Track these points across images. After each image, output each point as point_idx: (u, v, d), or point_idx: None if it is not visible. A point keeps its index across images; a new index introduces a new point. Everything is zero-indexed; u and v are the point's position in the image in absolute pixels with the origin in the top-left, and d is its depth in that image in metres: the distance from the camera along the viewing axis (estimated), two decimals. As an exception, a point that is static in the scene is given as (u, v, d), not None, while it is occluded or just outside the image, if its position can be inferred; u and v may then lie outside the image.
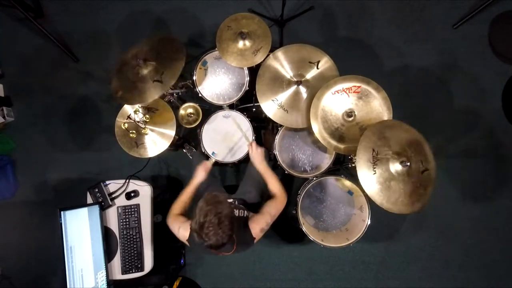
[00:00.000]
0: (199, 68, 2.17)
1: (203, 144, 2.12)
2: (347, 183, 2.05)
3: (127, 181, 2.08)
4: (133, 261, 2.00)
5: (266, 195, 1.95)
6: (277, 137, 2.09)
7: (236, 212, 1.66)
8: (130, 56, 1.93)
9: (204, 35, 2.71)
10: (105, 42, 2.72)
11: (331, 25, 2.70)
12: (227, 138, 2.13)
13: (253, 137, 2.09)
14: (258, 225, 1.59)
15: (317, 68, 1.97)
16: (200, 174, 1.80)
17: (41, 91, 2.70)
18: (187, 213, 1.73)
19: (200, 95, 2.14)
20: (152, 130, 2.05)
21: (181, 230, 1.60)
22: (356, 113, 1.85)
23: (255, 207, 1.88)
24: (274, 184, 1.74)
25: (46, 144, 2.65)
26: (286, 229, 2.50)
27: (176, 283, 2.12)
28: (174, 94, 2.15)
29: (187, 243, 1.60)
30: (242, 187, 2.02)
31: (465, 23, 2.63)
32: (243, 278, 2.51)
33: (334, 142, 1.86)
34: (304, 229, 1.94)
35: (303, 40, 2.65)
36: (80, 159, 2.62)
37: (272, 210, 1.64)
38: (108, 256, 1.98)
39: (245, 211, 1.70)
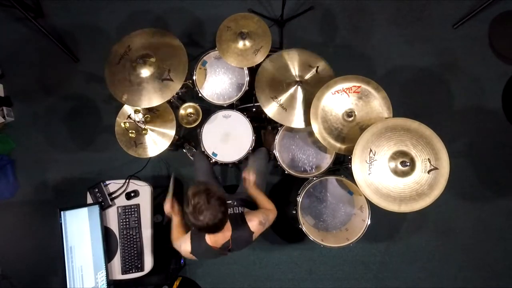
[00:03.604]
0: (199, 68, 2.17)
1: (203, 144, 2.12)
2: (347, 183, 2.05)
3: (127, 181, 2.08)
4: (133, 261, 2.00)
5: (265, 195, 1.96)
6: (277, 137, 2.09)
7: (231, 210, 1.67)
8: (120, 53, 1.91)
9: (204, 35, 2.71)
10: (105, 42, 2.72)
11: (331, 25, 2.70)
12: (227, 138, 2.13)
13: (253, 137, 2.10)
14: (256, 218, 1.59)
15: (317, 72, 1.97)
16: (172, 213, 1.81)
17: (41, 91, 2.70)
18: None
19: (200, 95, 2.14)
20: (152, 130, 2.05)
21: (183, 245, 1.60)
22: (356, 113, 1.85)
23: (255, 207, 1.88)
24: (263, 200, 1.78)
25: (46, 144, 2.65)
26: (286, 229, 2.50)
27: (176, 283, 2.12)
28: (174, 94, 2.15)
29: (192, 256, 1.59)
30: (241, 188, 2.02)
31: (465, 23, 2.63)
32: (243, 278, 2.51)
33: (334, 142, 1.86)
34: (304, 229, 1.94)
35: (303, 40, 2.67)
36: (80, 159, 2.62)
37: (266, 213, 1.66)
38: (108, 256, 1.98)
39: (240, 208, 1.70)
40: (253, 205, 1.87)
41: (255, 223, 1.58)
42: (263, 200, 1.79)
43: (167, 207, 1.80)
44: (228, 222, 1.49)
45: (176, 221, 1.79)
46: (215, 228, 1.38)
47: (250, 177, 1.83)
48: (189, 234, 1.60)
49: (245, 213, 1.65)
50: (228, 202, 1.81)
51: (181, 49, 1.92)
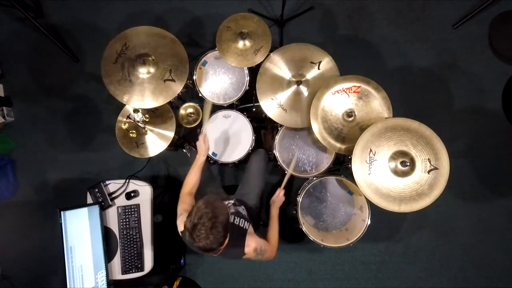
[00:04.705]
0: (199, 68, 2.17)
1: (203, 144, 2.12)
2: (347, 183, 2.05)
3: (127, 181, 2.08)
4: (133, 261, 2.00)
5: (265, 199, 1.95)
6: (277, 137, 2.09)
7: (237, 220, 1.60)
8: (117, 51, 1.91)
9: (204, 35, 2.71)
10: (105, 42, 2.70)
11: (331, 25, 2.70)
12: (227, 138, 2.13)
13: (253, 137, 2.10)
14: (255, 244, 1.54)
15: (319, 68, 1.97)
16: (202, 148, 1.78)
17: (41, 91, 2.70)
18: (196, 196, 1.74)
19: (200, 95, 2.14)
20: (151, 130, 2.05)
21: (179, 219, 1.57)
22: (356, 113, 1.85)
23: (251, 211, 1.88)
24: (274, 234, 1.73)
25: (46, 144, 2.65)
26: (286, 229, 2.49)
27: (176, 283, 2.12)
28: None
29: (180, 234, 1.56)
30: (241, 188, 2.02)
31: (465, 23, 2.63)
32: (243, 278, 2.51)
33: (334, 142, 1.86)
34: (304, 229, 1.94)
35: (303, 40, 2.65)
36: (80, 159, 2.62)
37: (266, 248, 1.60)
38: (108, 256, 1.98)
39: (246, 223, 1.62)
40: (252, 212, 1.86)
41: (251, 248, 1.53)
42: (274, 231, 1.73)
43: (201, 140, 1.77)
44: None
45: (199, 162, 1.75)
46: (206, 251, 1.34)
47: (282, 196, 1.78)
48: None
49: (248, 232, 1.58)
50: (230, 202, 1.81)
51: (180, 47, 1.92)
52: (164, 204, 2.48)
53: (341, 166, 2.42)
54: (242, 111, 2.17)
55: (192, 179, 1.74)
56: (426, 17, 2.68)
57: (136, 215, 2.04)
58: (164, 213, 2.37)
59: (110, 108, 2.60)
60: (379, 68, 2.65)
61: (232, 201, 1.78)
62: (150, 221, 2.06)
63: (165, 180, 2.58)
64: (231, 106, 2.22)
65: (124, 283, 2.04)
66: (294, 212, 2.01)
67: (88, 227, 1.94)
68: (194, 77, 2.13)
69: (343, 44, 2.67)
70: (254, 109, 2.20)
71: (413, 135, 1.68)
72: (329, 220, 2.11)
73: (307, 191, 2.02)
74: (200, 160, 1.77)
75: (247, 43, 1.99)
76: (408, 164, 1.64)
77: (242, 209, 1.74)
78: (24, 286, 2.51)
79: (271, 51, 2.01)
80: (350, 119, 1.84)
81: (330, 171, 2.15)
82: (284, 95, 1.96)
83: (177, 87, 1.89)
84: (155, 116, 2.07)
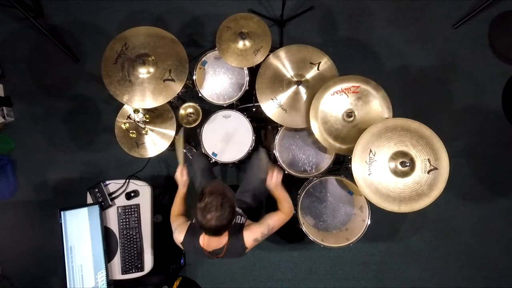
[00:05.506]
0: (199, 68, 2.17)
1: (203, 144, 2.12)
2: (347, 183, 2.05)
3: (127, 181, 2.08)
4: (133, 261, 2.00)
5: (265, 199, 1.95)
6: (277, 137, 2.09)
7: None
8: (117, 51, 1.90)
9: (204, 35, 2.71)
10: (105, 42, 2.69)
11: (331, 25, 2.70)
12: (227, 138, 2.13)
13: (253, 137, 2.10)
14: (253, 235, 1.55)
15: (318, 69, 1.97)
16: (180, 181, 1.79)
17: (41, 91, 2.70)
18: (187, 214, 1.75)
19: (200, 95, 2.14)
20: (152, 130, 2.05)
21: (177, 232, 1.60)
22: (356, 113, 1.84)
23: (252, 211, 1.88)
24: (285, 204, 1.71)
25: (46, 144, 2.65)
26: (286, 229, 2.47)
27: (176, 283, 2.12)
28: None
29: (181, 246, 1.59)
30: (242, 188, 2.02)
31: (465, 23, 2.63)
32: (243, 278, 2.51)
33: (334, 143, 1.86)
34: (304, 229, 1.94)
35: (303, 40, 2.67)
36: (80, 159, 2.62)
37: (272, 222, 1.61)
38: (108, 256, 1.98)
39: (242, 217, 1.65)
40: (253, 212, 1.86)
41: (250, 240, 1.54)
42: (283, 202, 1.70)
43: (178, 174, 1.78)
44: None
45: (181, 193, 1.78)
46: (216, 231, 1.38)
47: (277, 175, 1.74)
48: (187, 225, 1.59)
49: (245, 225, 1.60)
50: None
51: (180, 47, 1.92)
52: (164, 204, 2.48)
53: (341, 166, 2.42)
54: (242, 111, 2.17)
55: (178, 209, 1.76)
56: (426, 17, 2.68)
57: (136, 215, 2.04)
58: (164, 213, 2.38)
59: (110, 108, 2.60)
60: (379, 68, 2.65)
61: None
62: (150, 221, 2.06)
63: (165, 180, 2.58)
64: (231, 106, 2.22)
65: (124, 283, 2.04)
66: (294, 212, 2.01)
67: (88, 227, 1.94)
68: (194, 77, 2.13)
69: (343, 44, 2.67)
70: (254, 109, 2.20)
71: (413, 135, 1.68)
72: (329, 220, 2.11)
73: (307, 191, 2.02)
74: (181, 191, 1.78)
75: (247, 43, 1.99)
76: (408, 164, 1.64)
77: (238, 211, 1.73)
78: (24, 286, 2.51)
79: (271, 51, 2.00)
80: (350, 119, 1.84)
81: (330, 171, 2.16)
82: (284, 95, 1.96)
83: (177, 87, 1.89)
84: (155, 116, 2.07)
